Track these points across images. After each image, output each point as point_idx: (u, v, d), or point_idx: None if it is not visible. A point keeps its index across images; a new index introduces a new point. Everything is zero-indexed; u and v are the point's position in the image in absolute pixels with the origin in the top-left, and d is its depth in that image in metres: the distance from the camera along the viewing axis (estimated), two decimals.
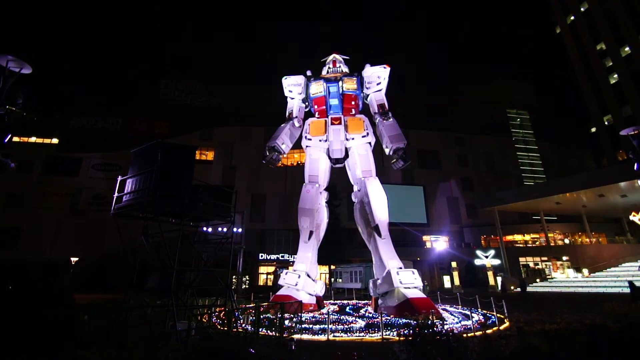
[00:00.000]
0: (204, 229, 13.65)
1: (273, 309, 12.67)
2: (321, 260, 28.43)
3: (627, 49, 45.18)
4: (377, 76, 16.32)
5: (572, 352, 4.55)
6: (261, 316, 10.95)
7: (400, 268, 13.40)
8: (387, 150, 15.23)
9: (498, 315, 12.40)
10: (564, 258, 38.80)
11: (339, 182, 38.21)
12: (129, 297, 9.84)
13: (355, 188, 16.02)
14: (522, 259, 40.44)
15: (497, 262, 38.47)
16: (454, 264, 37.04)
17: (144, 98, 52.24)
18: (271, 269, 41.71)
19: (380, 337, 9.70)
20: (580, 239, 44.36)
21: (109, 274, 35.77)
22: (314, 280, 15.31)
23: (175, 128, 49.19)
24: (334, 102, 16.17)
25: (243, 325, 10.60)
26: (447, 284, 38.63)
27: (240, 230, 28.89)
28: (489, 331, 10.30)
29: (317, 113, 16.82)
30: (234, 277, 27.92)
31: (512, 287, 35.37)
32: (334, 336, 9.94)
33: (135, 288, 10.56)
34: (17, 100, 8.19)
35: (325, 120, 16.00)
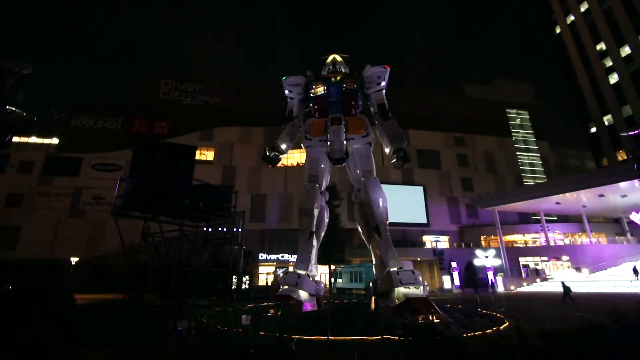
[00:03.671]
0: (204, 229, 13.64)
1: (273, 309, 12.66)
2: (321, 260, 28.41)
3: (627, 49, 45.17)
4: (377, 76, 16.30)
5: (571, 352, 4.55)
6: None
7: (400, 268, 13.38)
8: (387, 150, 15.20)
9: (498, 315, 12.40)
10: (564, 258, 38.80)
11: (339, 182, 38.26)
12: (129, 297, 9.85)
13: (355, 188, 16.00)
14: (522, 259, 40.42)
15: (497, 262, 38.48)
16: (454, 264, 37.08)
17: (144, 98, 52.19)
18: (271, 269, 41.72)
19: (380, 337, 9.69)
20: (580, 239, 44.36)
21: (109, 274, 35.78)
22: (314, 281, 15.29)
23: (175, 128, 49.15)
24: (334, 102, 16.14)
25: (243, 325, 10.57)
26: (447, 284, 38.66)
27: (240, 230, 28.84)
28: (488, 331, 10.29)
29: (317, 113, 16.79)
30: (234, 277, 27.91)
31: (512, 287, 35.41)
32: (334, 336, 9.94)
33: (135, 288, 10.57)
34: (17, 100, 8.19)
35: (325, 120, 15.95)
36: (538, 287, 34.27)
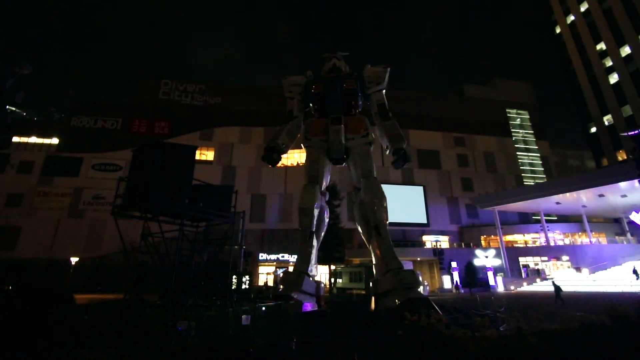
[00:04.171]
0: (204, 229, 13.64)
1: (273, 309, 12.63)
2: (321, 260, 28.38)
3: (627, 49, 45.17)
4: (378, 76, 16.30)
5: (571, 352, 4.55)
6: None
7: (400, 268, 13.38)
8: (387, 151, 15.20)
9: (498, 315, 12.40)
10: (564, 258, 38.81)
11: (339, 182, 38.25)
12: (129, 297, 9.85)
13: (355, 188, 16.01)
14: (522, 259, 40.43)
15: (497, 262, 38.48)
16: (454, 264, 37.07)
17: (144, 98, 52.18)
18: (271, 269, 41.71)
19: (381, 337, 9.69)
20: (580, 239, 44.36)
21: (109, 274, 35.79)
22: (314, 281, 15.29)
23: (175, 128, 49.16)
24: (334, 102, 16.14)
25: (243, 324, 10.58)
26: (447, 284, 38.66)
27: (240, 230, 28.78)
28: (488, 331, 10.29)
29: (317, 113, 16.81)
30: (234, 277, 27.92)
31: (512, 287, 35.41)
32: (334, 336, 9.95)
33: (135, 288, 10.57)
34: (17, 100, 8.19)
35: (326, 120, 15.96)
36: (538, 287, 34.26)
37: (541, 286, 34.09)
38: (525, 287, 34.81)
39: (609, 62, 47.58)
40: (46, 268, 34.82)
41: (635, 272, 28.02)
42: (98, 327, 7.45)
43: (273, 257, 42.10)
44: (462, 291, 34.71)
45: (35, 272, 33.69)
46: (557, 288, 20.12)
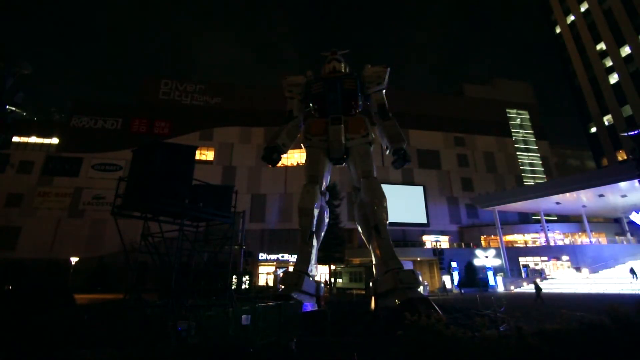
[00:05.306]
0: (204, 229, 13.63)
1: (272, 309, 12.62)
2: (321, 260, 28.37)
3: (627, 49, 45.18)
4: (377, 76, 16.35)
5: (571, 352, 4.55)
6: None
7: (400, 268, 13.38)
8: (387, 151, 15.23)
9: (498, 315, 12.39)
10: (564, 258, 38.80)
11: (339, 182, 38.28)
12: (129, 297, 9.84)
13: (355, 188, 16.02)
14: (522, 259, 40.42)
15: (497, 262, 38.47)
16: (454, 264, 37.07)
17: (144, 98, 52.15)
18: (271, 269, 41.72)
19: (381, 337, 9.69)
20: (580, 239, 44.35)
21: (109, 274, 35.81)
22: (314, 281, 15.29)
23: (175, 128, 49.14)
24: (334, 102, 16.16)
25: (243, 324, 10.57)
26: (447, 284, 38.67)
27: (240, 230, 28.76)
28: (488, 331, 10.28)
29: (317, 113, 16.82)
30: (234, 277, 27.90)
31: (512, 287, 35.42)
32: (334, 336, 9.94)
33: (135, 288, 10.56)
34: (17, 100, 8.19)
35: (325, 120, 15.97)
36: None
37: (541, 286, 34.08)
38: (525, 287, 34.80)
39: (609, 62, 47.58)
40: (46, 268, 34.83)
41: (632, 271, 28.00)
42: (98, 327, 7.45)
43: (273, 257, 42.11)
44: (462, 291, 34.70)
45: (36, 272, 33.71)
46: (538, 288, 22.44)
